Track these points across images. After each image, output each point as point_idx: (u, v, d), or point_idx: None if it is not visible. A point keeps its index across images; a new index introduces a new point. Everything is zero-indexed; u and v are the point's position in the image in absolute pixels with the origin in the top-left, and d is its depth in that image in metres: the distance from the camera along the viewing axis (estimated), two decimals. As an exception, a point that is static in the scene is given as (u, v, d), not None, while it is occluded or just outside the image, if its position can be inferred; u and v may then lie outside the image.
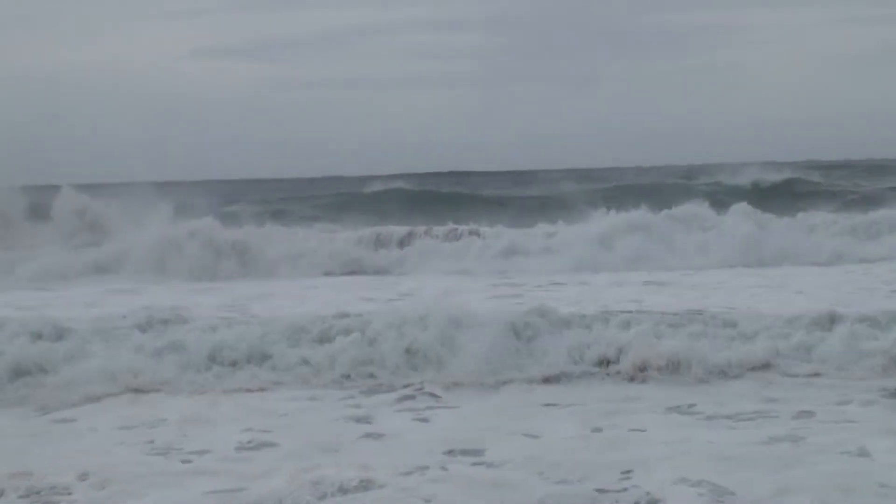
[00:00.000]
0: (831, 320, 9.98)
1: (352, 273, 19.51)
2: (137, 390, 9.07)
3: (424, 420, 8.18)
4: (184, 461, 7.10)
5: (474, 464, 6.87)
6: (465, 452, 7.12)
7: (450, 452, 7.15)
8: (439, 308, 10.11)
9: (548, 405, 8.48)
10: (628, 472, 6.52)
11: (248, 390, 9.07)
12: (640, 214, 21.27)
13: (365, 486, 6.31)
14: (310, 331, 10.01)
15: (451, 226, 22.10)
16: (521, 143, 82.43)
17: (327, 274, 19.28)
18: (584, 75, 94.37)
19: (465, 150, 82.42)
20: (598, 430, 7.66)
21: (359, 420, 8.12)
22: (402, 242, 21.42)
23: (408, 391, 8.93)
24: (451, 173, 34.67)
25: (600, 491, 6.21)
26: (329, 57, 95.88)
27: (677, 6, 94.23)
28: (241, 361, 9.57)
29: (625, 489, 6.22)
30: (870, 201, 26.70)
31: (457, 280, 17.48)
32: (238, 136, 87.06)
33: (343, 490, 6.19)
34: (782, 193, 29.69)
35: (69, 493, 6.37)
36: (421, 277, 18.20)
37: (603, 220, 21.34)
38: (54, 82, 79.83)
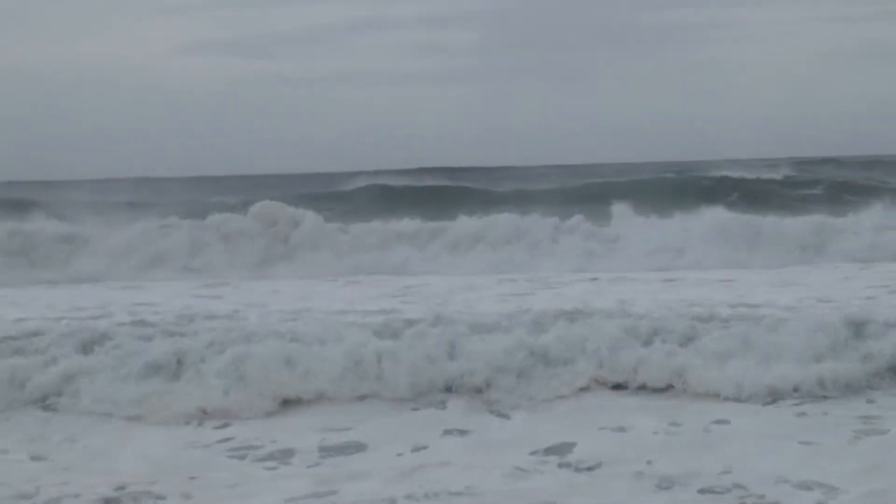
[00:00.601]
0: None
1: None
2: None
3: (505, 417, 8.07)
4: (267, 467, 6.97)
5: (562, 464, 6.76)
6: (551, 451, 7.00)
7: (541, 452, 7.02)
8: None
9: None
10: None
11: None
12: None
13: (470, 489, 6.24)
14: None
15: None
16: (512, 140, 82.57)
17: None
18: (575, 72, 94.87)
19: (455, 146, 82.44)
20: (676, 424, 7.56)
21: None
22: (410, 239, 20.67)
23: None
24: (442, 169, 34.65)
25: (702, 491, 6.12)
26: (320, 53, 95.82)
27: (669, 3, 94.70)
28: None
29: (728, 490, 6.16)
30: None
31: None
32: (228, 131, 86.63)
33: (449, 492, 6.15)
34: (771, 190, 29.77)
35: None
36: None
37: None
38: (43, 78, 79.22)
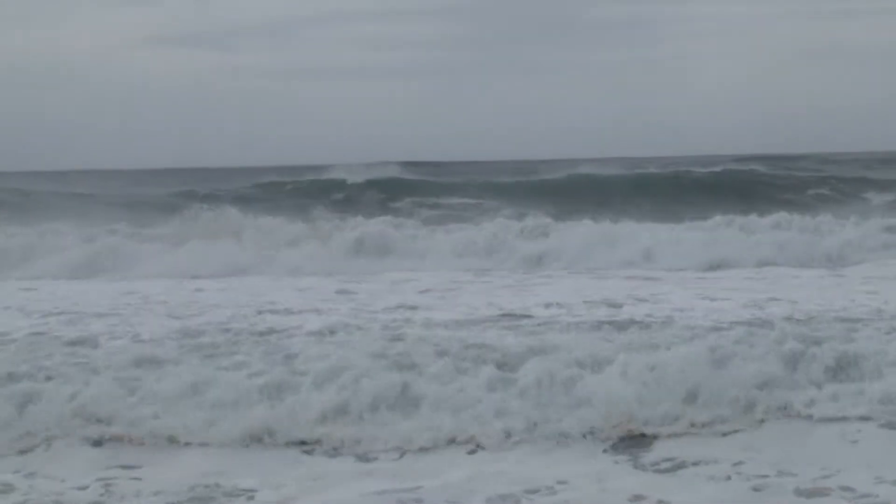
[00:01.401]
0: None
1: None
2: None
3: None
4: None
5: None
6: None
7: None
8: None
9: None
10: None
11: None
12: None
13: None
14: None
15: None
16: (468, 134, 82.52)
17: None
18: (531, 66, 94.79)
19: (414, 140, 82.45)
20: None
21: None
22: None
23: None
24: (400, 163, 34.73)
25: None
26: (279, 46, 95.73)
27: None
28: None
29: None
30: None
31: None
32: (188, 124, 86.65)
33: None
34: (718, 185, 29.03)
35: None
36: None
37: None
38: (3, 68, 79.12)
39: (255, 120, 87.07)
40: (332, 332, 9.24)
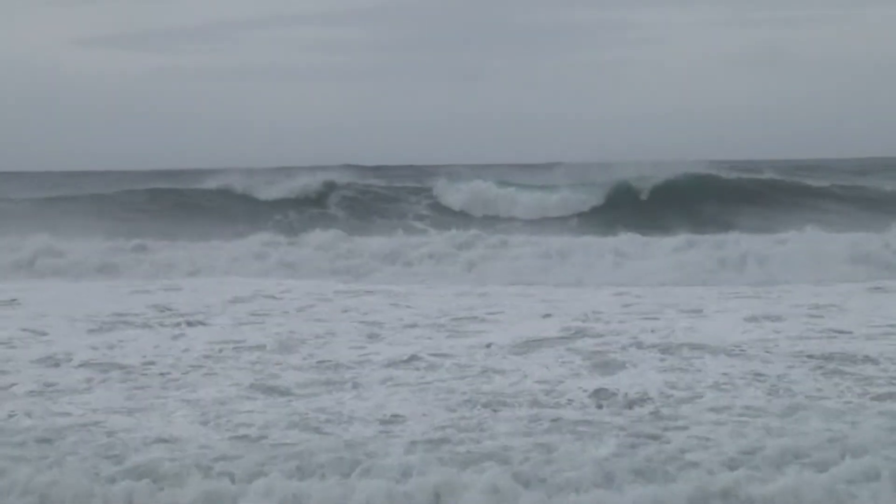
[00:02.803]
0: None
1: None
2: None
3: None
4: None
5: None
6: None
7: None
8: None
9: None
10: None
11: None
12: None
13: None
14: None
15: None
16: (411, 138, 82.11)
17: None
18: (472, 70, 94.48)
19: (355, 143, 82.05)
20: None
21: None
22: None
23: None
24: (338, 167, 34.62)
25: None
26: (216, 48, 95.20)
27: (566, 3, 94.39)
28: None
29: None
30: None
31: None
32: (124, 126, 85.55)
33: None
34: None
35: None
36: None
37: None
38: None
39: (193, 121, 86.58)
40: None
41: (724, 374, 8.43)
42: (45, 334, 10.78)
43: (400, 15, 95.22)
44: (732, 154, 43.58)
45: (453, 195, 27.26)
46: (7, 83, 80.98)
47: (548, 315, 11.87)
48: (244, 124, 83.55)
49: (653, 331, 10.45)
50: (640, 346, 9.62)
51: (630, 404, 7.53)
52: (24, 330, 11.02)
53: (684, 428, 6.84)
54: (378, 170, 36.18)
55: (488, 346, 9.80)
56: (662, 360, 9.04)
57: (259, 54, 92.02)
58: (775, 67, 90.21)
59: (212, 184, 29.01)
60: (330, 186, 28.10)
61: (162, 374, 8.84)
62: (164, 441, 6.69)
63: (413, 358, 9.27)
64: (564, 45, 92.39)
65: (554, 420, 7.12)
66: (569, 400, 7.71)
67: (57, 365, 9.23)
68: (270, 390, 8.14)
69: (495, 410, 7.41)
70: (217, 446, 6.58)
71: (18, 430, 7.00)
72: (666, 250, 18.42)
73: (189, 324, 11.35)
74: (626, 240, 19.33)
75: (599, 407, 7.50)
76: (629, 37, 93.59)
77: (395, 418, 7.23)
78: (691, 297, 13.57)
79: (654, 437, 6.64)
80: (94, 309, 12.43)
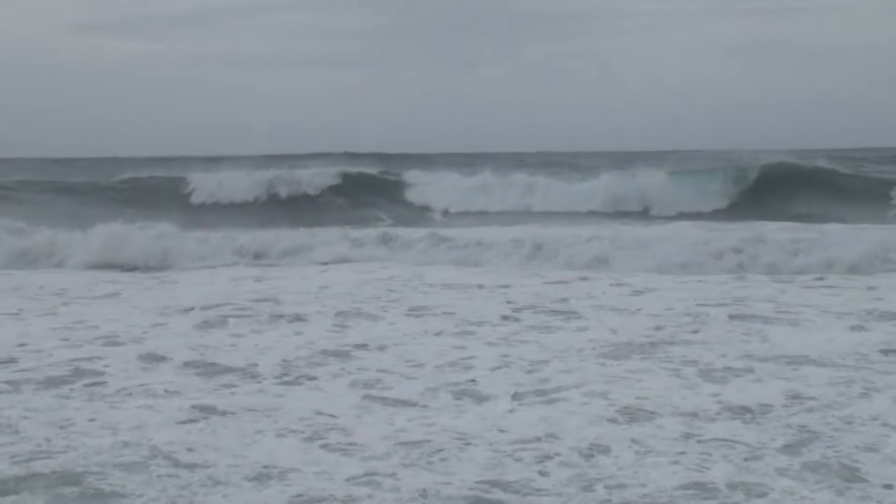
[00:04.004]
0: None
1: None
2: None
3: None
4: None
5: None
6: None
7: None
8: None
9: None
10: None
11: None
12: None
13: None
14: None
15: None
16: (399, 126, 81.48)
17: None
18: (462, 58, 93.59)
19: (343, 131, 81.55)
20: None
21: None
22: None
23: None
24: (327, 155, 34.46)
25: None
26: (206, 35, 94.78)
27: None
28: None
29: None
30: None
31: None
32: (113, 113, 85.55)
33: None
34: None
35: None
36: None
37: None
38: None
39: (180, 109, 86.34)
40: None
41: None
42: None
43: (389, 1, 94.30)
44: (728, 144, 42.71)
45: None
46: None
47: None
48: (233, 111, 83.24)
49: None
50: None
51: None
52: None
53: None
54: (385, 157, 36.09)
55: None
56: None
57: (248, 41, 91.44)
58: (770, 57, 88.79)
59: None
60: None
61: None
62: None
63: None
64: (557, 34, 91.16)
65: None
66: None
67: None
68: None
69: None
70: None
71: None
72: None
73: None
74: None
75: None
76: (622, 26, 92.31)
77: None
78: None
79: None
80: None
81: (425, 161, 33.09)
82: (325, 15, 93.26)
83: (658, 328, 10.29)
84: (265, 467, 6.02)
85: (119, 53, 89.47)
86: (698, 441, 6.47)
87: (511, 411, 7.22)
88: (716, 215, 25.18)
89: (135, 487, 5.70)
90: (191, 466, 6.04)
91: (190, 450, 6.35)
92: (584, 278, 14.67)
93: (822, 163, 29.48)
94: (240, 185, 28.66)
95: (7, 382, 8.15)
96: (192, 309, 11.82)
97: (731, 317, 10.90)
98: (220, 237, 19.09)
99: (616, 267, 15.91)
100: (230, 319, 11.10)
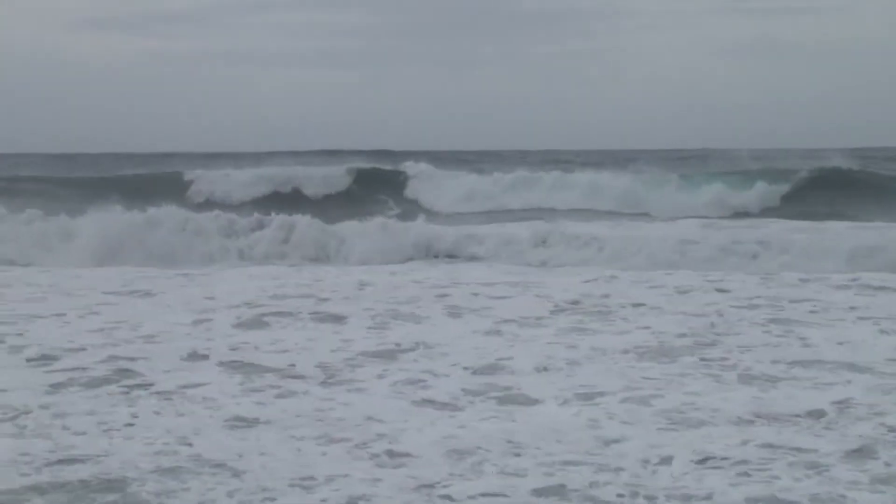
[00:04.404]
0: None
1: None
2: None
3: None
4: None
5: None
6: None
7: None
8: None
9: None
10: None
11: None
12: None
13: None
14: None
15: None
16: (400, 125, 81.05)
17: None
18: (463, 57, 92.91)
19: (344, 129, 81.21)
20: None
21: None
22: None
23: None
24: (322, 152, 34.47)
25: None
26: (207, 32, 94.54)
27: None
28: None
29: None
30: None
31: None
32: (116, 109, 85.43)
33: None
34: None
35: None
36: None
37: None
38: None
39: (183, 106, 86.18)
40: None
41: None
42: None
43: (390, 0, 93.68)
44: (732, 143, 42.19)
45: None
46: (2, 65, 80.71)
47: None
48: (233, 109, 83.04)
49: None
50: None
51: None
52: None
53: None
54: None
55: None
56: None
57: (250, 39, 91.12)
58: (771, 56, 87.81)
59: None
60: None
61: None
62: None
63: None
64: (558, 32, 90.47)
65: None
66: None
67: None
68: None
69: None
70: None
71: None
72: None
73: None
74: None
75: None
76: (625, 25, 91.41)
77: None
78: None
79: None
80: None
81: (434, 158, 32.72)
82: (326, 13, 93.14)
83: (696, 330, 10.06)
84: (309, 476, 5.84)
85: (119, 50, 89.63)
86: (757, 447, 6.26)
87: (559, 416, 7.03)
88: (748, 215, 24.97)
89: (178, 494, 5.54)
90: (238, 473, 5.88)
91: (240, 455, 6.20)
92: (614, 276, 14.44)
93: (856, 164, 29.15)
94: (253, 181, 28.58)
95: (50, 385, 8.01)
96: (230, 307, 11.68)
97: (768, 320, 10.65)
98: (251, 233, 19.05)
99: (650, 266, 15.80)
100: (269, 318, 10.95)
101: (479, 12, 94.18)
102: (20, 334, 10.04)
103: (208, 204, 25.42)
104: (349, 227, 19.32)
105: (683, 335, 9.78)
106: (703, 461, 6.00)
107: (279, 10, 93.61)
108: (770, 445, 6.31)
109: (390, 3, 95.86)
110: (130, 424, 6.86)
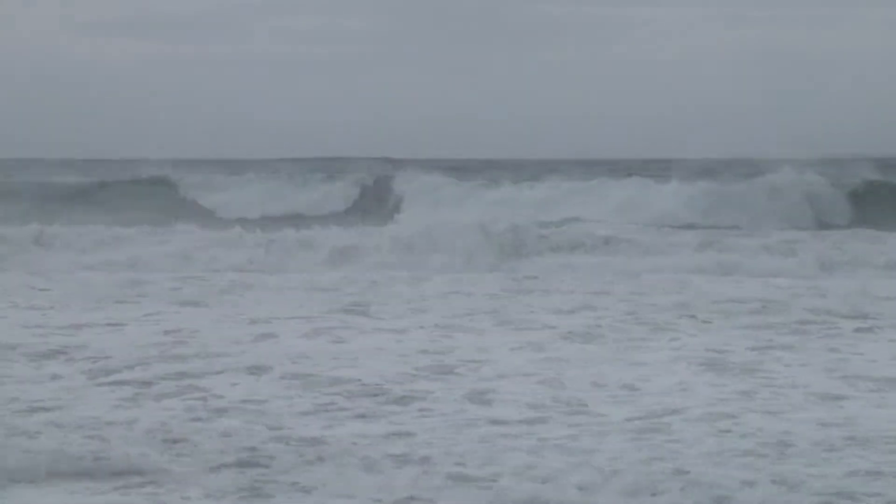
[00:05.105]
0: None
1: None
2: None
3: None
4: None
5: None
6: None
7: None
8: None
9: None
10: None
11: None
12: None
13: None
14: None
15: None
16: (404, 131, 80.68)
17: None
18: (469, 64, 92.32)
19: (348, 135, 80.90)
20: None
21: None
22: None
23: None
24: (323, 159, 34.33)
25: None
26: (212, 36, 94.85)
27: None
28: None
29: None
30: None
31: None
32: (119, 113, 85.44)
33: None
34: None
35: None
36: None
37: None
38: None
39: (189, 109, 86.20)
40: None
41: None
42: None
43: (399, 5, 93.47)
44: (737, 152, 41.49)
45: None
46: (2, 68, 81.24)
47: None
48: (241, 114, 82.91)
49: None
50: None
51: None
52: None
53: None
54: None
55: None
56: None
57: (257, 43, 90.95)
58: (777, 65, 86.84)
59: None
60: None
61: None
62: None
63: None
64: (564, 40, 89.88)
65: None
66: None
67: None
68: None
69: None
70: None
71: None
72: None
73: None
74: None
75: None
76: (630, 34, 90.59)
77: None
78: None
79: None
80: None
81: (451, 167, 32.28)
82: (331, 18, 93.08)
83: (756, 343, 9.92)
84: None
85: (123, 53, 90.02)
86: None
87: (628, 432, 6.87)
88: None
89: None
90: (307, 489, 5.76)
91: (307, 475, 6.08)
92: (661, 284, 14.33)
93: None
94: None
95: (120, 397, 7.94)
96: (289, 318, 11.59)
97: (825, 333, 10.47)
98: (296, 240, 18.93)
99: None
100: (331, 329, 10.82)
101: (485, 18, 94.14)
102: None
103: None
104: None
105: (746, 347, 9.73)
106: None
107: (286, 14, 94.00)
108: (871, 472, 6.11)
109: (398, 9, 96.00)
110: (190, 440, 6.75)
